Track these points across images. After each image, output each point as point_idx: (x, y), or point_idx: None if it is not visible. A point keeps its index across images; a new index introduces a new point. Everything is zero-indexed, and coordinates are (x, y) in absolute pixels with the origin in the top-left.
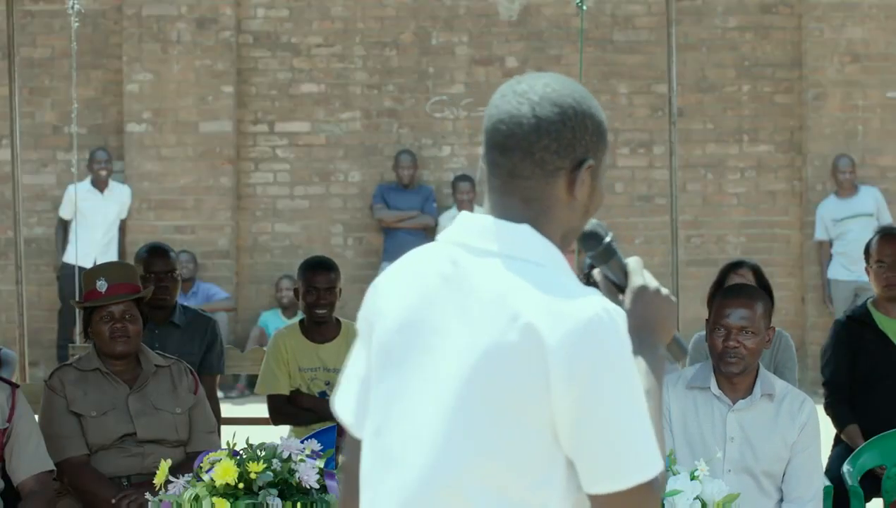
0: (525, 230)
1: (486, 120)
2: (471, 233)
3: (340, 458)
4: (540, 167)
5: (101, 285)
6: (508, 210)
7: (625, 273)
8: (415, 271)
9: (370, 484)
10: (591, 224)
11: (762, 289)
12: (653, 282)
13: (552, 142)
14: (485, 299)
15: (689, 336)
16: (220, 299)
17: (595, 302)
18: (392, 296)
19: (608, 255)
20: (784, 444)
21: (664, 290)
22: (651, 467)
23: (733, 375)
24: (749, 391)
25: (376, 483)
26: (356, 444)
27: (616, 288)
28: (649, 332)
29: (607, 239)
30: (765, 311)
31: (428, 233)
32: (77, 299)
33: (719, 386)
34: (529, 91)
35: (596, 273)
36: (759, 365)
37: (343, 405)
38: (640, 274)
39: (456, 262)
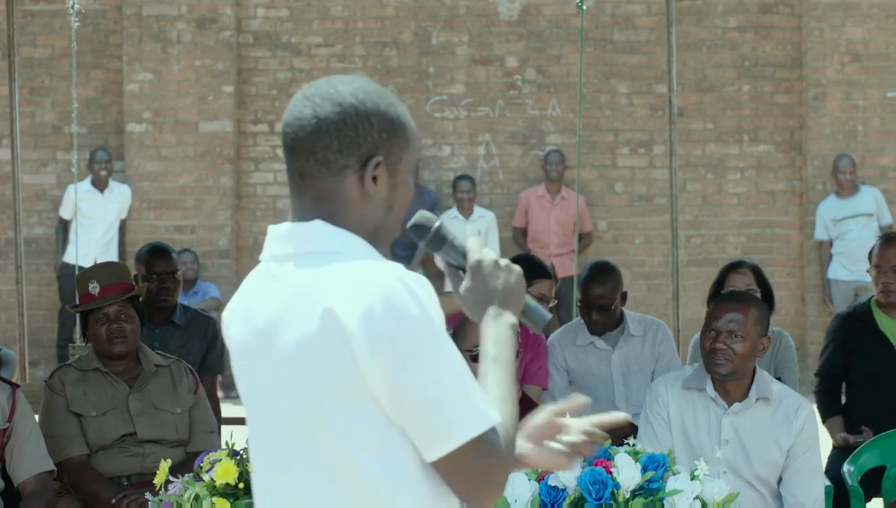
0: (316, 225)
1: (281, 124)
2: (274, 242)
3: None
4: (325, 166)
5: (94, 288)
6: (303, 210)
7: (463, 254)
8: (244, 295)
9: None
10: (417, 215)
11: (762, 290)
12: (491, 255)
13: (333, 141)
14: (291, 299)
15: (689, 336)
16: (209, 298)
17: (388, 273)
18: (233, 325)
19: (441, 241)
20: (779, 449)
21: (503, 261)
22: (477, 422)
23: (720, 377)
24: (745, 394)
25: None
26: None
27: (460, 270)
28: (494, 303)
29: (436, 225)
30: (758, 318)
31: None
32: (73, 303)
33: (715, 389)
34: (315, 94)
35: (437, 260)
36: (755, 368)
37: None
38: (477, 251)
39: (267, 275)
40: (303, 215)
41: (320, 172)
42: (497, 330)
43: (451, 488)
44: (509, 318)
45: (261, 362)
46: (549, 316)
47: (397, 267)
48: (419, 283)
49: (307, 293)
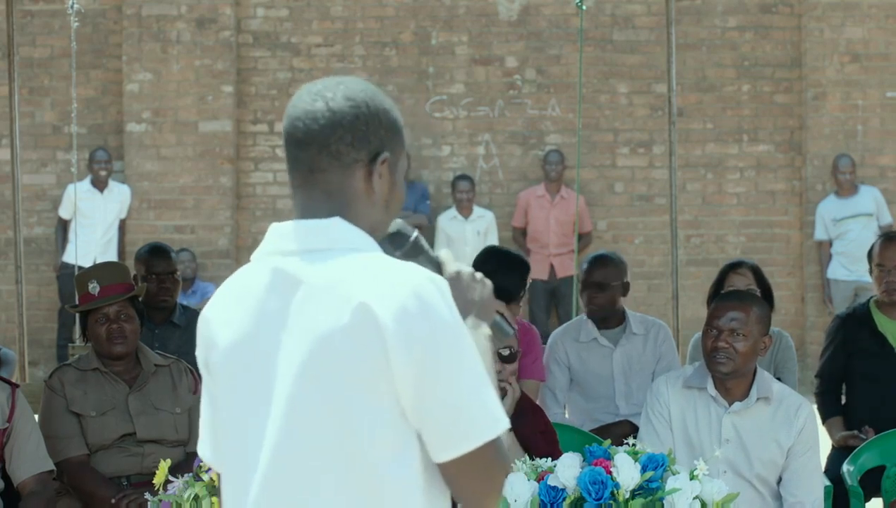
0: (336, 222)
1: (285, 120)
2: (285, 239)
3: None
4: (337, 159)
5: (94, 288)
6: (313, 205)
7: (437, 265)
8: (239, 291)
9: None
10: (395, 224)
11: (762, 290)
12: (467, 269)
13: (346, 134)
14: (315, 293)
15: (689, 336)
16: (209, 297)
17: (419, 272)
18: (222, 322)
19: (417, 251)
20: (779, 449)
21: (479, 275)
22: (496, 424)
23: (722, 376)
24: (745, 394)
25: (239, 495)
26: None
27: None
28: (471, 314)
29: (413, 235)
30: (760, 317)
31: (421, 232)
32: (73, 303)
33: (716, 388)
34: (324, 89)
35: None
36: (756, 367)
37: (204, 448)
38: (453, 263)
39: (278, 270)
40: (312, 210)
41: (331, 165)
42: (478, 343)
43: (456, 490)
44: (486, 330)
45: (273, 353)
46: (511, 331)
47: (423, 268)
48: (445, 285)
49: (334, 287)
